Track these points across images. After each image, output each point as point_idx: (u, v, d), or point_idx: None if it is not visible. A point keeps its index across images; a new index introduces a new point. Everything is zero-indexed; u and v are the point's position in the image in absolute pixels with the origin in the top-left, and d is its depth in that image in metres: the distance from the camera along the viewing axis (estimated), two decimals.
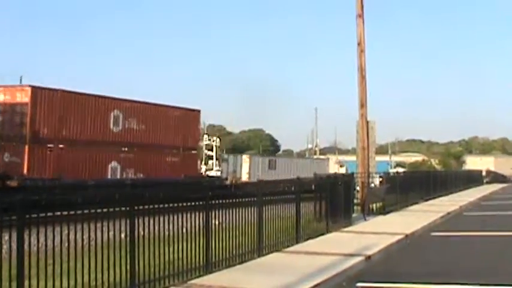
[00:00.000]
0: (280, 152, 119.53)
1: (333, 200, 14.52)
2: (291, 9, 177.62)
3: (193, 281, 8.17)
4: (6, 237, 5.89)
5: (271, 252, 10.70)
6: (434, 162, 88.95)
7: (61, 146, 24.34)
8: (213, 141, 58.38)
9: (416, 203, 23.14)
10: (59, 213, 6.63)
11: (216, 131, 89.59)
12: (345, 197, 15.56)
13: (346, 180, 16.45)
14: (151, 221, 7.79)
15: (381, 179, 21.81)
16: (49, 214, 6.47)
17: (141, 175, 27.84)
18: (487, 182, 53.50)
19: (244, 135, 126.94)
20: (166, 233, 8.01)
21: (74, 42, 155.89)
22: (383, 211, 18.78)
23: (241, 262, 9.58)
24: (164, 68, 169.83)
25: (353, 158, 31.16)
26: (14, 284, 5.74)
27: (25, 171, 22.89)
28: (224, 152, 58.24)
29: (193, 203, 8.83)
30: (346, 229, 14.51)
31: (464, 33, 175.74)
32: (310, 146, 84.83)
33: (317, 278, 8.42)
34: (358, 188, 19.08)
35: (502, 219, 18.17)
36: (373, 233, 13.85)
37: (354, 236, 13.50)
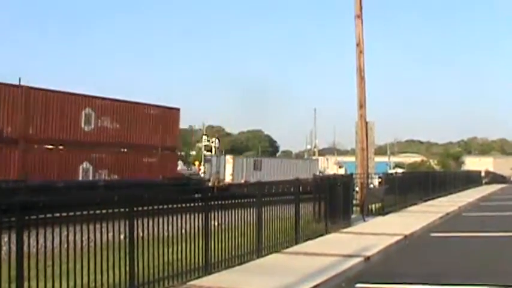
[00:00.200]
0: (279, 153, 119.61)
1: (332, 201, 14.52)
2: (290, 10, 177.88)
3: (192, 282, 8.18)
4: (6, 239, 5.90)
5: (271, 253, 10.70)
6: (433, 162, 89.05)
7: (27, 145, 22.89)
8: (212, 142, 58.44)
9: (415, 203, 23.15)
10: (58, 214, 6.63)
11: (215, 131, 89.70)
12: (344, 197, 15.57)
13: (345, 181, 16.46)
14: (151, 222, 7.80)
15: (380, 180, 21.84)
16: (48, 215, 6.45)
17: (116, 176, 26.49)
18: (486, 183, 53.55)
19: (243, 136, 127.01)
20: (166, 234, 8.02)
21: (73, 42, 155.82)
22: (382, 212, 18.78)
23: (241, 263, 9.59)
24: (164, 69, 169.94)
25: (352, 158, 31.21)
26: (13, 286, 5.74)
27: None
28: (223, 153, 58.21)
29: (192, 204, 8.83)
30: (345, 230, 14.51)
31: (464, 34, 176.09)
32: (309, 146, 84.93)
33: (316, 279, 8.42)
34: (357, 188, 19.09)
35: (501, 220, 18.18)
36: (372, 233, 13.85)
37: (353, 236, 13.51)
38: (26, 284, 5.86)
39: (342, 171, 59.71)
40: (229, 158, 44.20)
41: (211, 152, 54.45)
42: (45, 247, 6.44)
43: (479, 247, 12.46)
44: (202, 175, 41.52)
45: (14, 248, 5.82)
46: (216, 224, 9.28)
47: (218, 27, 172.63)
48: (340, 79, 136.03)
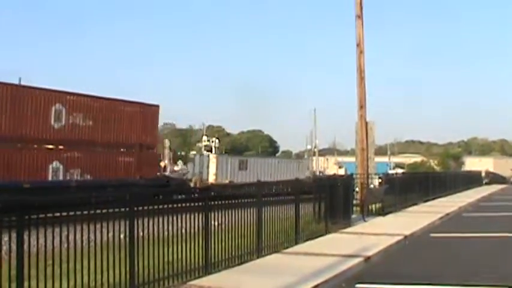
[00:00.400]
0: (279, 153, 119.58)
1: (332, 201, 14.53)
2: (290, 10, 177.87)
3: (192, 282, 8.18)
4: (6, 238, 5.90)
5: (271, 253, 10.71)
6: (433, 163, 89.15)
7: None
8: (212, 142, 58.45)
9: (416, 204, 23.17)
10: (58, 214, 6.63)
11: (215, 132, 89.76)
12: (344, 198, 15.57)
13: (346, 181, 16.47)
14: (151, 222, 7.80)
15: (380, 180, 21.83)
16: (48, 215, 6.45)
17: (89, 176, 25.06)
18: (486, 183, 53.56)
19: (243, 136, 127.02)
20: (166, 233, 8.02)
21: (74, 42, 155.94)
22: (382, 212, 18.79)
23: (241, 263, 9.59)
24: (164, 69, 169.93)
25: (352, 159, 31.26)
26: (13, 285, 5.74)
27: None
28: (223, 153, 58.21)
29: (193, 204, 8.83)
30: (345, 230, 14.52)
31: (464, 35, 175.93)
32: (309, 147, 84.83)
33: (316, 279, 8.42)
34: (357, 189, 19.08)
35: (502, 220, 18.18)
36: (372, 234, 13.85)
37: (353, 237, 13.51)
38: (26, 284, 5.86)
39: (342, 172, 59.65)
40: (212, 157, 42.40)
41: (211, 152, 54.39)
42: (46, 246, 6.45)
43: (480, 247, 12.46)
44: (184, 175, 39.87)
45: (14, 247, 5.83)
46: (216, 223, 9.28)
47: (218, 27, 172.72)
48: (340, 79, 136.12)
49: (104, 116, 26.23)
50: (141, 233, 7.49)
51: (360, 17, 19.87)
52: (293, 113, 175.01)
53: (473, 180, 46.51)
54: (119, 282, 7.05)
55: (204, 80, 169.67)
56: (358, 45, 19.86)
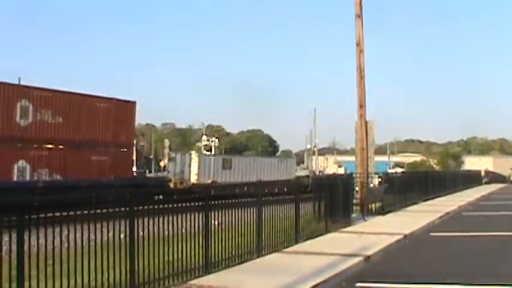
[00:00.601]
0: (279, 153, 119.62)
1: (332, 201, 14.53)
2: (290, 10, 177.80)
3: (192, 282, 8.18)
4: (6, 238, 5.90)
5: (271, 252, 10.71)
6: (433, 162, 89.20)
7: None
8: (212, 141, 58.46)
9: (415, 203, 23.17)
10: (58, 213, 6.63)
11: (215, 131, 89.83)
12: (344, 197, 15.57)
13: (345, 181, 16.47)
14: (151, 222, 7.80)
15: (380, 179, 21.83)
16: (49, 215, 6.45)
17: (58, 176, 23.79)
18: (486, 182, 53.58)
19: (242, 136, 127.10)
20: (166, 233, 8.02)
21: (73, 42, 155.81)
22: (382, 211, 18.79)
23: (241, 262, 9.59)
24: (163, 69, 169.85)
25: (352, 158, 31.20)
26: (14, 285, 5.74)
27: None
28: (223, 152, 58.17)
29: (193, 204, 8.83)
30: (345, 229, 14.52)
31: (464, 34, 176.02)
32: (309, 146, 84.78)
33: (316, 278, 8.43)
34: (357, 188, 19.09)
35: (501, 220, 18.18)
36: (372, 233, 13.85)
37: (353, 236, 13.51)
38: (26, 284, 5.86)
39: (341, 171, 59.62)
40: (194, 156, 40.23)
41: (211, 151, 54.36)
42: (46, 246, 6.45)
43: (479, 246, 12.46)
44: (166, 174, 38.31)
45: (14, 247, 5.83)
46: (216, 223, 9.28)
47: (218, 27, 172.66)
48: (340, 79, 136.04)
49: (75, 112, 24.92)
50: (141, 233, 7.49)
51: (359, 16, 19.86)
52: (293, 112, 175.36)
53: (473, 179, 46.50)
54: (119, 282, 7.05)
55: (203, 80, 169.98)
56: (358, 44, 19.84)
